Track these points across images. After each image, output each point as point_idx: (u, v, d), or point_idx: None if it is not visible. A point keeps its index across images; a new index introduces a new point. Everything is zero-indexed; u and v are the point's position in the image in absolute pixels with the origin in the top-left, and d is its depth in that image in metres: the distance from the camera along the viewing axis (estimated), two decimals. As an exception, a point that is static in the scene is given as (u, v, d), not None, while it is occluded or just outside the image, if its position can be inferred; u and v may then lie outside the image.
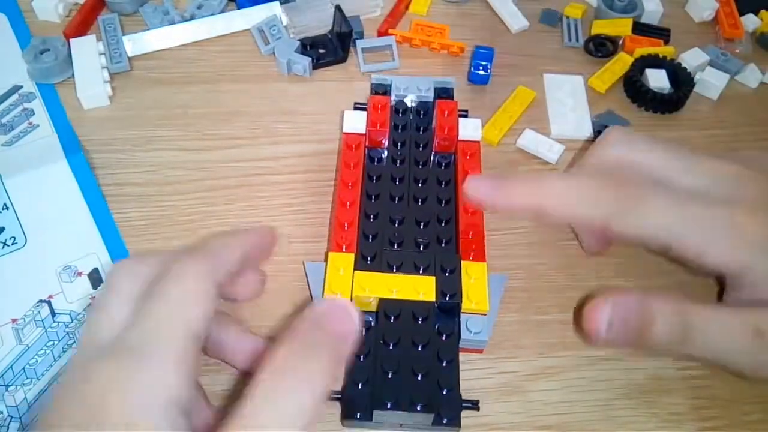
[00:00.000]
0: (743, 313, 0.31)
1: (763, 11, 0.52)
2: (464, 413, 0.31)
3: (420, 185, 0.38)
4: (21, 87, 0.45)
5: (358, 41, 0.48)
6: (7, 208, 0.38)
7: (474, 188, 0.33)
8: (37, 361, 0.33)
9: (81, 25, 0.49)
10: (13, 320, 0.34)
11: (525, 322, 0.36)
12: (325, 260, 0.35)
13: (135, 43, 0.48)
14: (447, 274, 0.34)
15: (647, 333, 0.30)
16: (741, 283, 0.32)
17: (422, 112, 0.42)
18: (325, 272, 0.34)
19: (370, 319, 0.33)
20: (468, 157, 0.39)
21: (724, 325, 0.31)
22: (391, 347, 0.32)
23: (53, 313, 0.35)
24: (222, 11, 0.50)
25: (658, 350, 0.32)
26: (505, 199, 0.32)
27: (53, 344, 0.34)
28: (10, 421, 0.31)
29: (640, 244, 0.35)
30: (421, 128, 0.41)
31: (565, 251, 0.39)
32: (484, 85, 0.47)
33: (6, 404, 0.32)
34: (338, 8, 0.48)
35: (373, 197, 0.37)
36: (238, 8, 0.50)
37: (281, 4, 0.50)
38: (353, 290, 0.33)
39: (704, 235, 0.31)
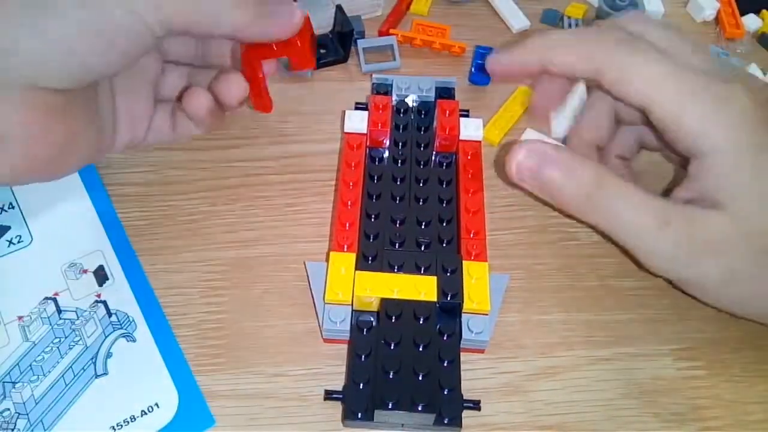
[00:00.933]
0: (663, 202, 0.31)
1: (764, 11, 0.52)
2: (465, 413, 0.31)
3: (421, 185, 0.38)
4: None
5: (359, 41, 0.48)
6: (13, 207, 0.38)
7: (492, 62, 0.36)
8: (43, 358, 0.33)
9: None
10: (20, 318, 0.34)
11: (526, 322, 0.36)
12: (327, 260, 0.36)
13: (136, 43, 0.48)
14: (448, 274, 0.34)
15: (555, 185, 0.31)
16: (699, 174, 0.30)
17: (423, 112, 0.42)
18: (327, 272, 0.34)
19: (372, 318, 0.33)
20: (469, 157, 0.39)
21: (636, 201, 0.30)
22: (392, 347, 0.32)
23: (59, 311, 0.35)
24: (223, 11, 0.50)
25: (565, 207, 0.32)
26: (514, 57, 0.35)
27: (59, 341, 0.34)
28: (18, 418, 0.31)
29: (625, 99, 0.32)
30: (423, 128, 0.41)
31: (565, 251, 0.39)
32: (485, 85, 0.47)
33: (13, 401, 0.32)
34: (339, 8, 0.48)
35: (374, 197, 0.37)
36: (240, 8, 0.50)
37: (282, 3, 0.50)
38: (354, 290, 0.33)
39: (689, 94, 0.29)
